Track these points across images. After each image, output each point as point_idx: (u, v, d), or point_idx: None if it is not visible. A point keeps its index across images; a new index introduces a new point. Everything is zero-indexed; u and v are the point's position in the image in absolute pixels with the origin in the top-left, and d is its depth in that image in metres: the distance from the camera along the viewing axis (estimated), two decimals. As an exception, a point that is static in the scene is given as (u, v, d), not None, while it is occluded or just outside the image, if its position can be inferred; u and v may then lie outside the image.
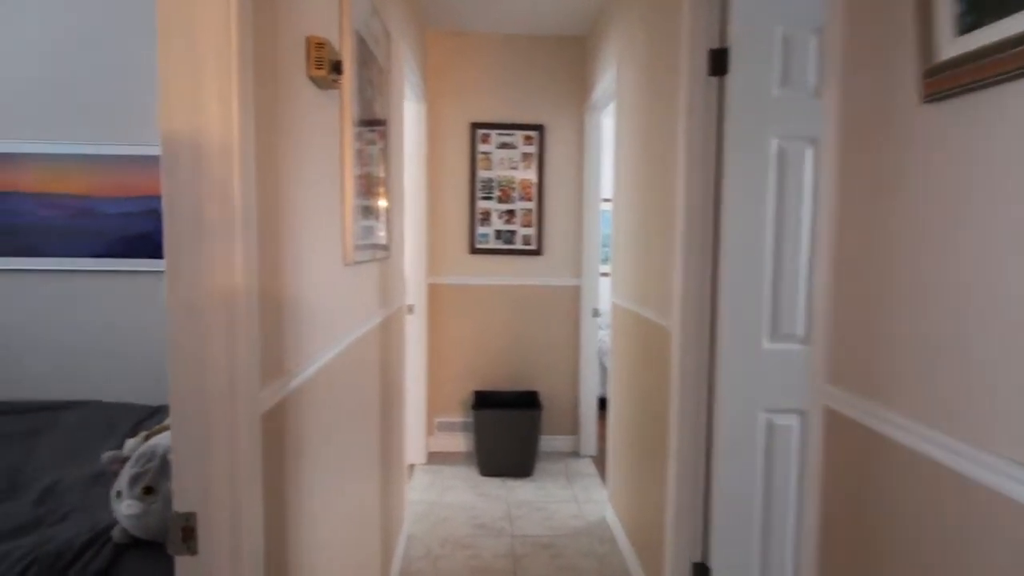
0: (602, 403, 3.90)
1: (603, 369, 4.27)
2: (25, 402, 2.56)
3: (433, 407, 3.76)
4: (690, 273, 1.89)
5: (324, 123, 1.31)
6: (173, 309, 0.85)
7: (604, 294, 4.06)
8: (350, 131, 1.46)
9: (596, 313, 3.72)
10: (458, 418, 3.78)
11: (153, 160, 2.56)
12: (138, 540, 1.35)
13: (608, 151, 3.54)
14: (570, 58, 3.64)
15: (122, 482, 1.29)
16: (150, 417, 2.45)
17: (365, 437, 1.83)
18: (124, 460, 1.32)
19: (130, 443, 1.53)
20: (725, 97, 1.81)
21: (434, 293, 3.70)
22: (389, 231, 2.19)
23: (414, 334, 3.51)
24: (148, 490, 1.26)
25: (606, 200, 3.62)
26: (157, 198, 2.69)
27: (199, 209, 0.84)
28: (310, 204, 1.21)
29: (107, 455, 1.33)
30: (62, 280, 2.60)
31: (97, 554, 1.36)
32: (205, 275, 0.85)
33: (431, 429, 3.77)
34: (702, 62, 1.83)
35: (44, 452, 2.16)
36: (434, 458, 3.68)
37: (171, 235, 0.85)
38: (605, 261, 4.06)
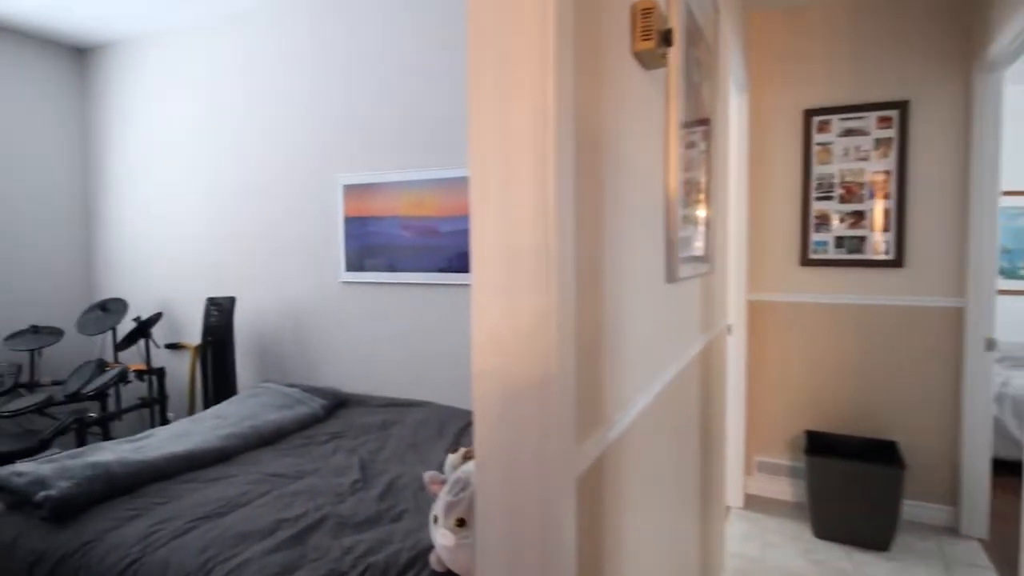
0: (998, 466, 2.85)
1: (999, 422, 3.15)
2: (384, 398, 3.00)
3: (752, 444, 3.26)
4: None
5: (647, 109, 1.08)
6: (480, 345, 0.71)
7: (1005, 319, 2.97)
8: (676, 118, 1.21)
9: (991, 345, 2.73)
10: (783, 460, 3.20)
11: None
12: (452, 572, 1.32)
13: (1014, 125, 2.56)
14: (947, 6, 2.77)
15: (438, 507, 1.27)
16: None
17: (684, 481, 1.55)
18: (442, 482, 1.30)
19: (451, 459, 1.54)
20: None
21: (755, 312, 3.21)
22: (710, 241, 1.87)
23: (732, 359, 3.09)
24: (461, 522, 1.21)
25: (1009, 193, 2.63)
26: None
27: (507, 231, 0.69)
28: (628, 208, 0.99)
29: (427, 475, 1.33)
30: (413, 292, 2.96)
31: None
32: (515, 305, 0.69)
33: (749, 469, 3.27)
34: None
35: (392, 445, 2.44)
36: (752, 503, 3.18)
37: (478, 260, 0.72)
38: (1010, 275, 2.98)
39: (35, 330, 3.52)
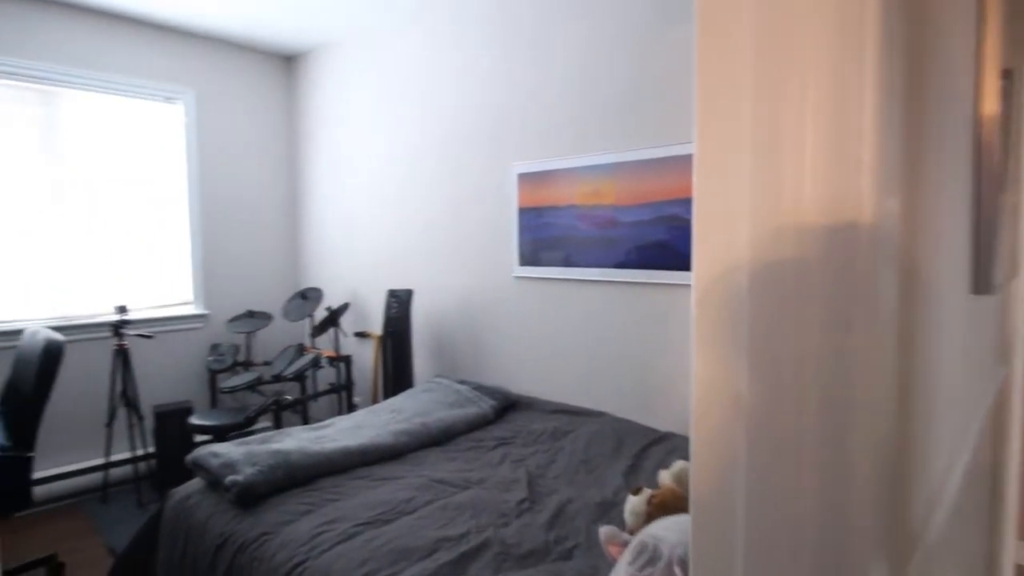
0: None
1: None
2: (555, 403, 2.78)
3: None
4: None
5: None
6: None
7: None
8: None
9: None
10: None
11: (668, 162, 2.37)
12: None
13: None
14: None
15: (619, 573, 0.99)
16: (657, 442, 2.27)
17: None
18: (623, 543, 1.02)
19: (632, 503, 1.25)
20: None
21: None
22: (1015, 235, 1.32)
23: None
24: (649, 608, 0.92)
25: None
26: (670, 203, 2.61)
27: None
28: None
29: (604, 532, 1.07)
30: (590, 289, 2.71)
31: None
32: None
33: (1025, 531, 2.48)
34: None
35: (562, 460, 2.21)
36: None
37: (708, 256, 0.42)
38: None
39: (251, 314, 3.93)
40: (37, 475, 3.07)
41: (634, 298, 2.55)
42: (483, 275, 3.13)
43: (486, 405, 2.70)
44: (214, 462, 1.97)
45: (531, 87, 2.85)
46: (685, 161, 2.32)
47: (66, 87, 3.34)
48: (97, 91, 3.46)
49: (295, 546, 1.61)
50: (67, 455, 3.31)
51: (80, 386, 3.36)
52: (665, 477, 1.49)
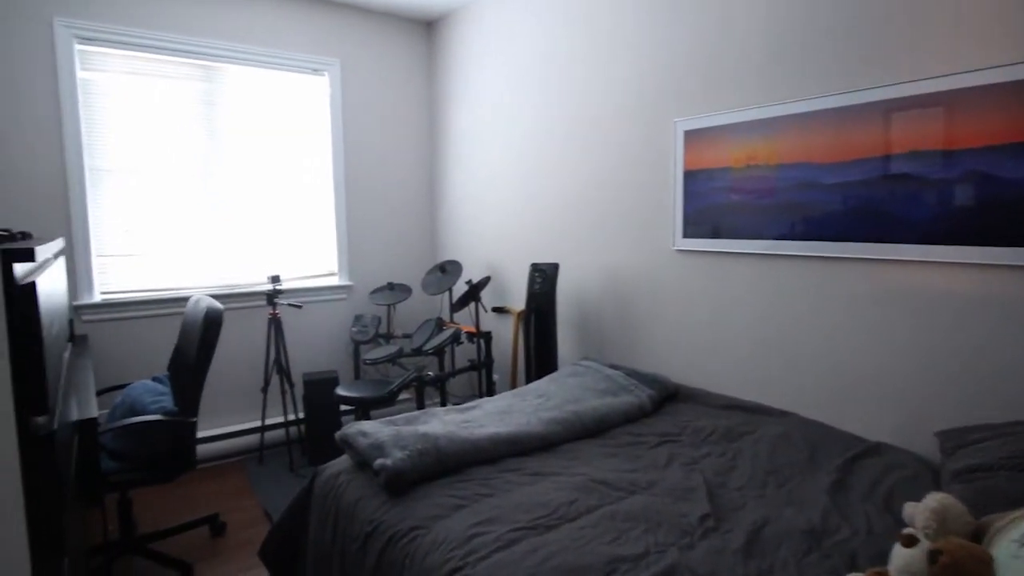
0: None
1: None
2: (725, 397, 2.42)
3: None
4: None
5: None
6: None
7: None
8: None
9: None
10: None
11: (894, 105, 1.88)
12: None
13: None
14: None
15: None
16: (866, 455, 1.84)
17: None
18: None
19: (905, 557, 0.90)
20: None
21: None
22: None
23: None
24: None
25: None
26: (897, 159, 1.86)
27: None
28: None
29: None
30: (769, 266, 2.30)
31: None
32: None
33: None
34: None
35: (744, 466, 1.86)
36: None
37: None
38: None
39: (391, 287, 3.91)
40: (201, 434, 3.25)
41: (831, 276, 2.10)
42: (638, 248, 2.80)
43: (643, 394, 2.40)
44: (363, 442, 1.87)
45: (702, 22, 2.44)
46: (924, 102, 1.82)
47: (226, 62, 3.45)
48: (253, 65, 3.53)
49: (448, 548, 1.44)
50: (228, 417, 3.49)
51: (239, 351, 3.51)
52: (924, 517, 1.11)
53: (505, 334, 3.64)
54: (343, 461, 1.98)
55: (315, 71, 3.77)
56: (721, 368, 2.50)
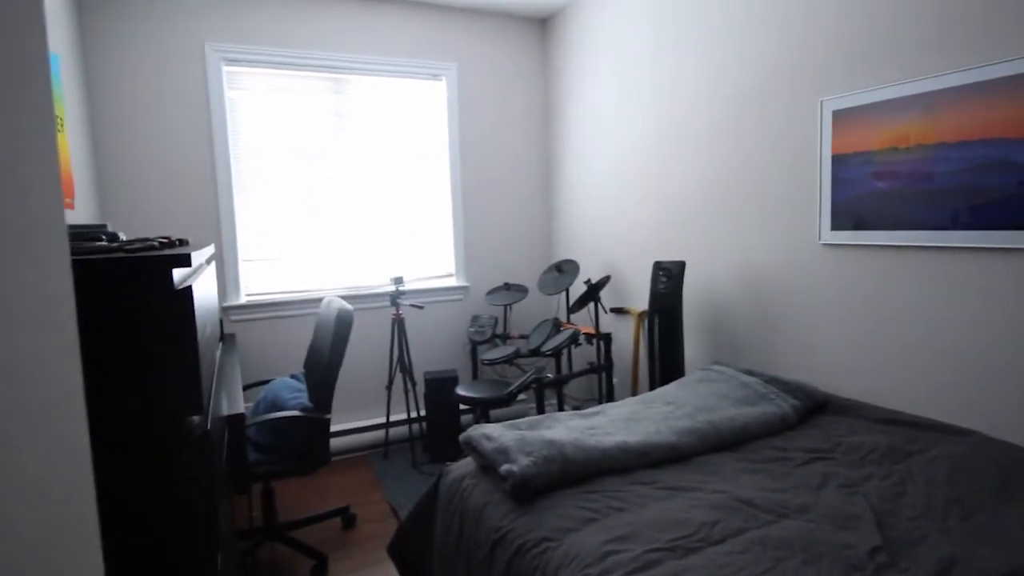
0: None
1: None
2: (884, 410, 2.13)
3: None
4: None
5: None
6: None
7: None
8: None
9: None
10: None
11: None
12: None
13: None
14: None
15: None
16: (1079, 489, 1.53)
17: None
18: None
19: None
20: None
21: None
22: None
23: None
24: None
25: None
26: (1007, 142, 1.75)
27: None
28: None
29: None
30: (939, 260, 1.99)
31: None
32: None
33: None
34: None
35: (917, 492, 1.61)
36: None
37: None
38: None
39: (507, 287, 3.90)
40: (333, 429, 3.41)
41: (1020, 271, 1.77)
42: (777, 242, 2.55)
43: (786, 404, 2.18)
44: (487, 446, 1.83)
45: (855, -6, 2.16)
46: None
47: (353, 73, 3.61)
48: (377, 74, 3.67)
49: (581, 565, 1.35)
50: (355, 413, 3.65)
51: (365, 350, 3.67)
52: None
53: (624, 336, 3.50)
54: (467, 464, 1.96)
55: (434, 76, 3.85)
56: (878, 377, 2.20)
